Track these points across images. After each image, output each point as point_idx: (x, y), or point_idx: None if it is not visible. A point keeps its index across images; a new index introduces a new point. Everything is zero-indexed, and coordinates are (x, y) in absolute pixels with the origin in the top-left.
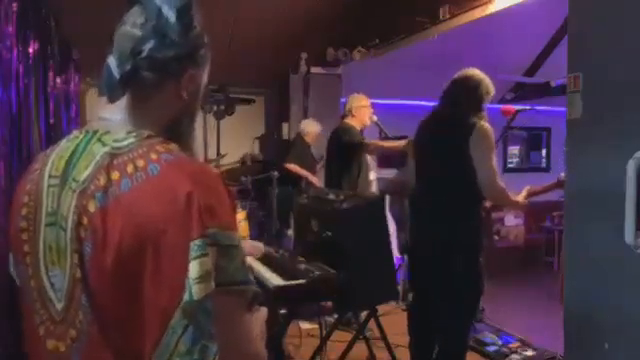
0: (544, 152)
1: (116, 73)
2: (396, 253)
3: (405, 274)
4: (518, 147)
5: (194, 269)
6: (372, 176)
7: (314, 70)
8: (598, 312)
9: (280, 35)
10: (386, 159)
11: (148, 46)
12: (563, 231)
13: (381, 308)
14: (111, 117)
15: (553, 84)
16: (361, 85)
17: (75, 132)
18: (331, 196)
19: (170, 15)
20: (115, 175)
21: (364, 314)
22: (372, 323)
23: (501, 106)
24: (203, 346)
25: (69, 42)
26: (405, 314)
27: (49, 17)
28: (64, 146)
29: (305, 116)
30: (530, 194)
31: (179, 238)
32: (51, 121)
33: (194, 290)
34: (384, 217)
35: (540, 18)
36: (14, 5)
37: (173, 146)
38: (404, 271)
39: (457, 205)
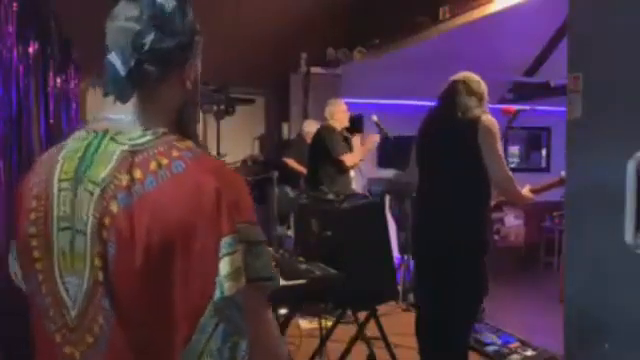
0: (544, 152)
1: (122, 71)
2: (396, 253)
3: (405, 274)
4: (518, 147)
5: (225, 266)
6: (352, 173)
7: (314, 70)
8: (598, 312)
9: (280, 35)
10: (386, 159)
11: (149, 39)
12: (563, 231)
13: (381, 308)
14: (118, 117)
15: (553, 84)
16: (361, 85)
17: (81, 132)
18: (331, 196)
19: (165, 4)
20: (138, 173)
21: (364, 314)
22: (372, 323)
23: (501, 106)
24: (234, 343)
25: (69, 42)
26: (405, 314)
27: (49, 17)
28: (72, 147)
29: (305, 116)
30: (534, 191)
31: (209, 235)
32: (51, 121)
33: (225, 287)
34: (384, 217)
35: (540, 18)
36: (14, 5)
37: (190, 143)
38: (404, 271)
39: (465, 204)
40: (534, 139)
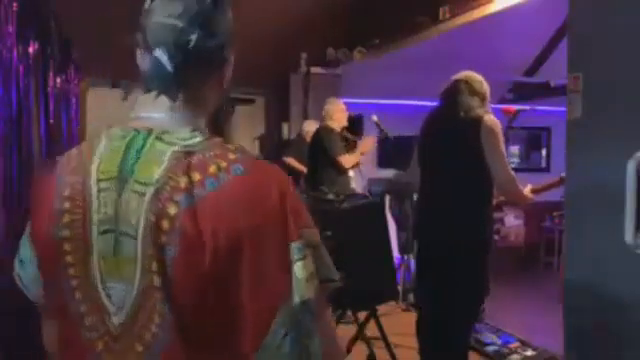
0: (544, 152)
1: (169, 67)
2: (396, 253)
3: (405, 274)
4: (518, 147)
5: (299, 271)
6: (351, 173)
7: (314, 70)
8: (598, 312)
9: (280, 35)
10: (386, 159)
11: (194, 37)
12: (563, 231)
13: (381, 308)
14: (158, 115)
15: (553, 84)
16: (361, 85)
17: (115, 130)
18: (331, 196)
19: (209, 2)
20: (197, 176)
21: (364, 314)
22: (372, 323)
23: (501, 106)
24: (305, 346)
25: (69, 42)
26: (405, 314)
27: (49, 17)
28: (109, 146)
29: (305, 116)
30: (535, 191)
31: (276, 238)
32: (51, 121)
33: (303, 291)
34: (384, 217)
35: (540, 18)
36: (14, 5)
37: (238, 145)
38: (404, 271)
39: (467, 204)
40: (534, 139)
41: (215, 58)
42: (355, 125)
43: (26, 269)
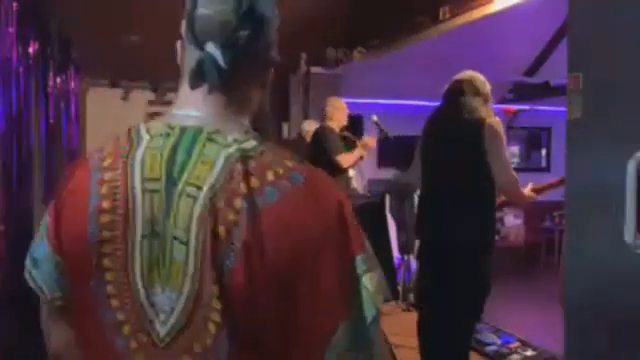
0: (544, 152)
1: (222, 62)
2: (396, 253)
3: (405, 274)
4: (518, 147)
5: (368, 282)
6: (351, 173)
7: (314, 70)
8: (598, 312)
9: (280, 35)
10: (386, 159)
11: (244, 34)
12: (563, 231)
13: (381, 308)
14: (192, 113)
15: (553, 84)
16: (361, 85)
17: (158, 125)
18: None
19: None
20: (255, 182)
21: None
22: None
23: (501, 106)
24: (368, 357)
25: (69, 42)
26: (405, 314)
27: (49, 17)
28: (152, 144)
29: (305, 116)
30: (535, 190)
31: (337, 248)
32: (51, 121)
33: (372, 303)
34: (384, 217)
35: (540, 18)
36: (14, 5)
37: (290, 152)
38: (404, 271)
39: (469, 204)
40: (534, 139)
41: (262, 57)
42: (355, 125)
43: (41, 268)
